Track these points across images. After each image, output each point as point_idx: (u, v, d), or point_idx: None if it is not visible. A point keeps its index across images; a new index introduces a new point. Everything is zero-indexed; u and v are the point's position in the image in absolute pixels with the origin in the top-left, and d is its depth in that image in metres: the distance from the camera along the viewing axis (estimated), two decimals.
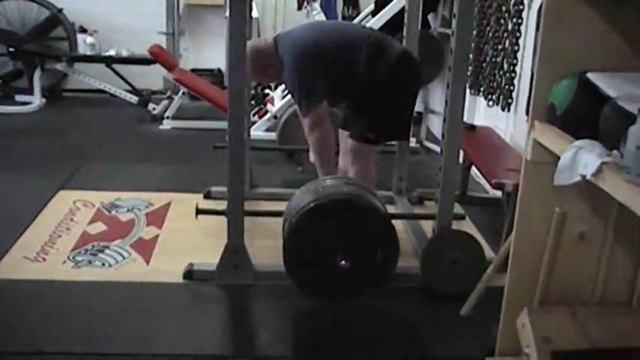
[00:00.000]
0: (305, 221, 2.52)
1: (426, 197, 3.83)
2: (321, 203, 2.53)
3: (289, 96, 4.62)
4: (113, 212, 3.62)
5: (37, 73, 6.24)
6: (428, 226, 3.05)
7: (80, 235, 3.28)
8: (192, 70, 6.73)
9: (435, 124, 5.44)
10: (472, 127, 4.13)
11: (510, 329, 2.00)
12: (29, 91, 6.33)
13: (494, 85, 4.21)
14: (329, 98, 3.02)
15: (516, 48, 3.89)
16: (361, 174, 3.04)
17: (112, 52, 6.41)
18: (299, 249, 2.55)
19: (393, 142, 3.66)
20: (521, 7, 3.82)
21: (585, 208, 1.91)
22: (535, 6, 3.60)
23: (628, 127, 1.38)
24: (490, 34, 4.30)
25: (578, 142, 1.58)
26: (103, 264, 2.98)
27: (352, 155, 3.09)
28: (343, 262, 2.50)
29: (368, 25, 4.70)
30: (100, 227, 3.40)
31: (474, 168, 3.83)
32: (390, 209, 3.40)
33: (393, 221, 2.65)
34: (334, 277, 2.56)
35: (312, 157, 3.23)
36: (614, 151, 1.46)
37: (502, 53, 4.09)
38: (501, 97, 4.09)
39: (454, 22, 2.60)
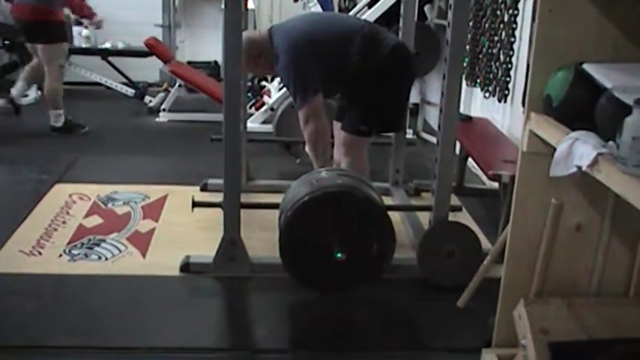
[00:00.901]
0: (301, 213, 2.52)
1: (422, 189, 3.83)
2: (316, 196, 2.53)
3: (285, 88, 4.61)
4: (109, 205, 3.61)
5: None
6: (425, 218, 3.05)
7: (76, 229, 3.27)
8: (189, 63, 6.71)
9: (432, 116, 5.43)
10: (469, 119, 4.13)
11: (507, 320, 2.00)
12: None
13: (491, 76, 4.21)
14: (323, 90, 3.01)
15: (512, 39, 3.88)
16: (353, 166, 3.03)
17: (107, 45, 6.40)
18: (295, 241, 2.55)
19: (390, 134, 3.65)
20: None
21: (581, 199, 1.91)
22: None
23: (624, 118, 1.38)
24: (486, 26, 4.29)
25: (574, 134, 1.58)
26: (100, 257, 2.98)
27: (344, 147, 3.09)
28: (339, 254, 2.51)
29: (364, 16, 4.69)
30: (96, 220, 3.40)
31: (470, 159, 3.83)
32: (387, 201, 3.40)
33: (390, 213, 2.65)
34: (330, 269, 2.57)
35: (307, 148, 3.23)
36: (610, 142, 1.46)
37: (498, 44, 4.09)
38: (498, 88, 4.08)
39: (450, 14, 2.59)
